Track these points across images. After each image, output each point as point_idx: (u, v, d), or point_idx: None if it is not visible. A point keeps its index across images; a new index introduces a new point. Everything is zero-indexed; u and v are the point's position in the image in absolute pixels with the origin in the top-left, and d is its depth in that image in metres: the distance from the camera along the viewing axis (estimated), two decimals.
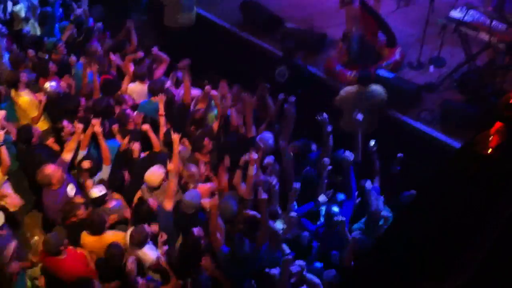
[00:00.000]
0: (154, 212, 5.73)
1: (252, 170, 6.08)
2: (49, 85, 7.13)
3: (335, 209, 5.87)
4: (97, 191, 5.74)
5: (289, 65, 7.98)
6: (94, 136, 6.42)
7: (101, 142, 6.31)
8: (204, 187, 6.11)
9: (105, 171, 6.31)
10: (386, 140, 6.89)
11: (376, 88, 7.26)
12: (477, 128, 6.63)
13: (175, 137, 6.06)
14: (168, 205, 5.73)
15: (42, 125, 7.12)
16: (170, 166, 5.78)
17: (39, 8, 8.84)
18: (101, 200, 5.75)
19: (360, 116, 6.79)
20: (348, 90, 7.35)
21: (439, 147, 7.38)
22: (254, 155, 6.07)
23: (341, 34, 8.44)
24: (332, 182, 6.51)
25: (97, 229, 5.53)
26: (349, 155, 6.26)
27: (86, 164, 6.19)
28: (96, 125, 6.29)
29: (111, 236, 5.56)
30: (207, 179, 6.41)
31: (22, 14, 8.66)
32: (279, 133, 7.01)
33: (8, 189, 6.13)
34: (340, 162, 6.32)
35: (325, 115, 6.66)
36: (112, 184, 6.13)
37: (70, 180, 6.09)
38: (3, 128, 6.29)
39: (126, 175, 6.26)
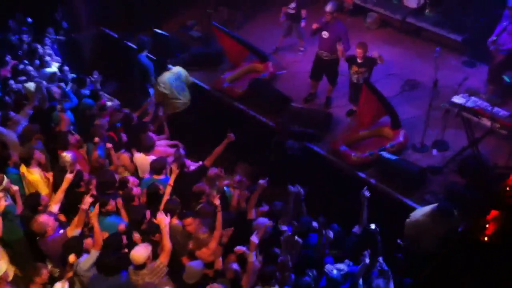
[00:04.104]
0: None
1: (252, 256, 5.76)
2: (70, 156, 7.04)
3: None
4: None
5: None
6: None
7: (95, 224, 6.09)
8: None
9: (92, 256, 5.90)
10: (389, 222, 6.84)
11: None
12: (475, 214, 6.63)
13: (161, 217, 6.02)
14: None
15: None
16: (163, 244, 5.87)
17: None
18: None
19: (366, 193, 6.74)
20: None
21: None
22: (255, 239, 5.79)
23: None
24: None
25: None
26: (374, 227, 6.34)
27: (72, 258, 5.88)
28: (86, 204, 6.18)
29: None
30: None
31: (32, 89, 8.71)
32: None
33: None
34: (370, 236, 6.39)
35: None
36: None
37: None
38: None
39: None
